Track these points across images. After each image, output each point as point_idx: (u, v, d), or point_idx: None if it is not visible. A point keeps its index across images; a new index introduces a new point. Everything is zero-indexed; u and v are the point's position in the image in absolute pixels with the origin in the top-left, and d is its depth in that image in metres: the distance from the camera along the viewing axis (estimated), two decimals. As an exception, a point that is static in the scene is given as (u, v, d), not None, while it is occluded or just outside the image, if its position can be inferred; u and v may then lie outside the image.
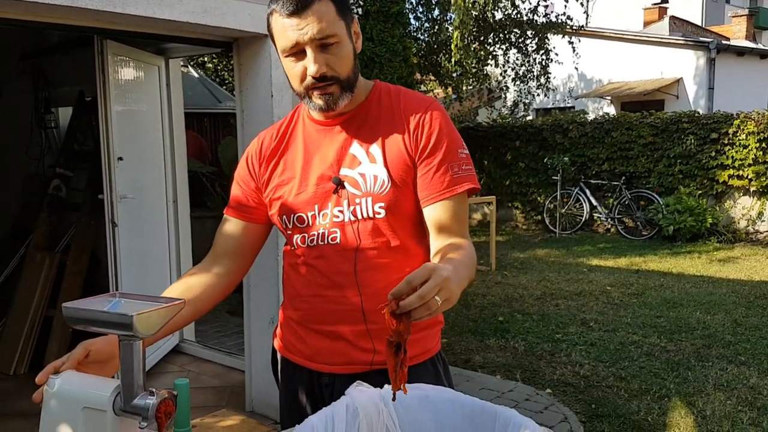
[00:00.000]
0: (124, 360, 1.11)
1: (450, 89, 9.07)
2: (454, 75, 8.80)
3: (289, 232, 1.39)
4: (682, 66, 13.89)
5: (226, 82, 11.31)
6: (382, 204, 1.31)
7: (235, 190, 1.47)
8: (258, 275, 3.44)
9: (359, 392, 1.09)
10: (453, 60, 7.13)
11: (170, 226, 4.48)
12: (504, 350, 4.63)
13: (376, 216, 1.31)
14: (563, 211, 10.30)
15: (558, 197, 10.23)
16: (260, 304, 3.49)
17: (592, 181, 10.19)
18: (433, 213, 1.32)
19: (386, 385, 1.12)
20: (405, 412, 1.10)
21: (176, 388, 1.30)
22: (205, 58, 11.18)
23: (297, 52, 1.26)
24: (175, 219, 4.51)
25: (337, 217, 1.33)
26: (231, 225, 1.45)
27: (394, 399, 1.06)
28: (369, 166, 1.32)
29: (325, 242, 1.34)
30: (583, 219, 10.17)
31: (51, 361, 1.22)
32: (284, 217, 1.38)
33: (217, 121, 7.67)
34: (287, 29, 1.25)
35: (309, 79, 1.27)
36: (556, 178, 10.21)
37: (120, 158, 3.68)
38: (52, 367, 1.19)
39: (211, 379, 4.12)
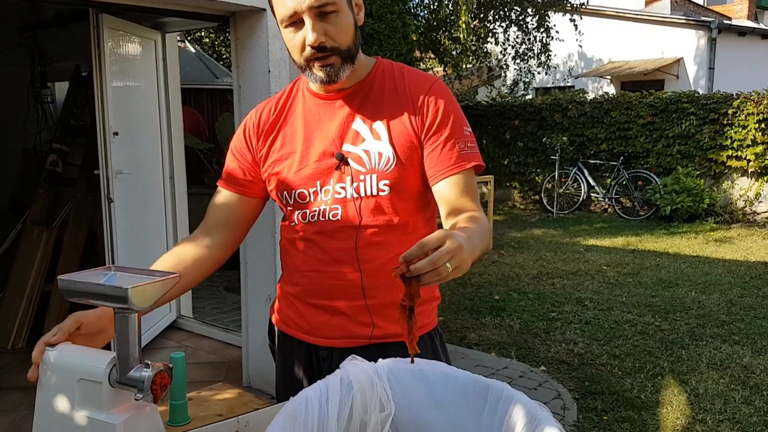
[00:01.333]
0: (119, 332, 1.12)
1: (450, 67, 9.00)
2: (454, 53, 8.74)
3: (289, 208, 1.38)
4: (683, 46, 13.79)
5: (223, 57, 11.22)
6: (387, 182, 1.30)
7: (231, 163, 1.44)
8: (255, 252, 3.45)
9: (353, 366, 1.10)
10: (461, 36, 7.05)
11: (167, 202, 4.47)
12: (499, 328, 4.66)
13: (380, 193, 1.30)
14: (561, 190, 10.30)
15: (556, 177, 10.23)
16: (257, 281, 3.50)
17: (591, 161, 10.17)
18: (444, 189, 1.30)
19: (380, 360, 1.13)
20: (398, 385, 1.11)
21: (172, 361, 1.31)
22: (202, 33, 11.09)
23: (296, 21, 1.24)
24: (171, 195, 4.50)
25: (339, 193, 1.32)
26: (224, 197, 1.43)
27: (412, 361, 1.08)
28: (373, 143, 1.31)
29: (326, 218, 1.33)
30: (581, 199, 10.18)
31: (48, 335, 1.22)
32: (285, 193, 1.37)
33: (214, 97, 7.62)
34: None
35: (308, 50, 1.25)
36: (554, 157, 10.20)
37: (116, 133, 3.66)
38: (43, 342, 1.19)
39: (208, 355, 4.15)
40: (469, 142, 1.33)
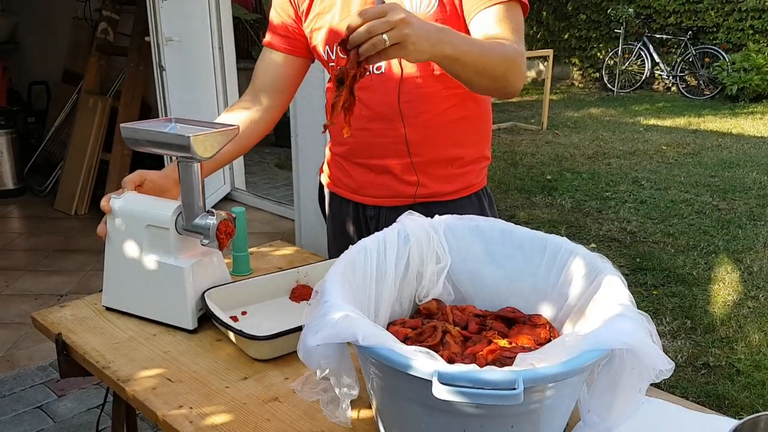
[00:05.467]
0: (183, 181, 1.14)
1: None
2: None
3: (332, 63, 1.34)
4: None
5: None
6: None
7: (274, 19, 1.40)
8: (306, 125, 3.43)
9: (410, 220, 1.10)
10: None
11: (217, 74, 4.46)
12: (550, 207, 4.62)
13: None
14: (623, 67, 9.81)
15: (619, 52, 9.71)
16: (308, 153, 3.51)
17: (657, 36, 9.58)
18: (479, 22, 1.19)
19: (437, 216, 1.13)
20: (455, 240, 1.11)
21: (234, 213, 1.34)
22: None
23: None
24: (221, 66, 4.48)
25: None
26: (270, 57, 1.40)
27: (324, 131, 1.05)
28: None
29: (370, 72, 1.29)
30: (644, 77, 9.70)
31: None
32: (327, 47, 1.33)
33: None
34: None
35: None
36: (618, 31, 9.64)
37: (165, -1, 3.60)
38: (110, 195, 1.22)
39: (263, 225, 4.28)
40: None
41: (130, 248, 1.19)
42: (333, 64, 1.34)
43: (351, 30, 0.92)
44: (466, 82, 1.13)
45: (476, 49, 1.07)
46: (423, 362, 0.70)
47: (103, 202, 1.21)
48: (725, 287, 3.29)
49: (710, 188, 4.94)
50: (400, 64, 1.26)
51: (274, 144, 6.22)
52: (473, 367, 0.70)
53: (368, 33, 0.91)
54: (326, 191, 1.52)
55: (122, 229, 1.19)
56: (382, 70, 1.28)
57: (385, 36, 0.91)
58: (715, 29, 9.11)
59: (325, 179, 1.51)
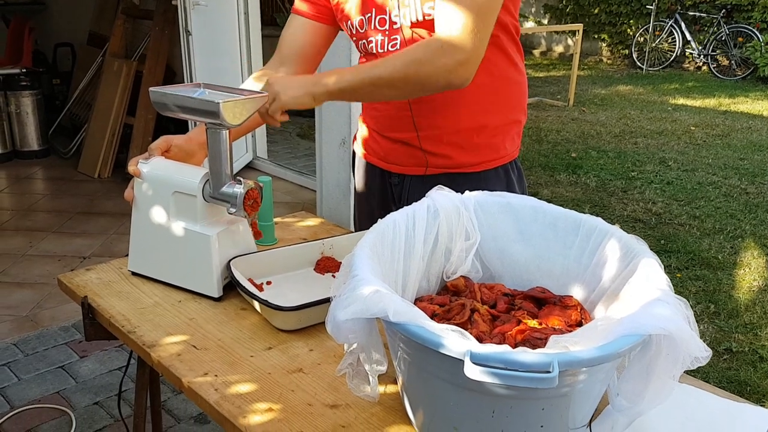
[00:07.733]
0: (211, 148, 1.12)
1: None
2: None
3: (354, 38, 1.34)
4: None
5: None
6: (432, 4, 1.20)
7: None
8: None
9: (440, 195, 1.08)
10: None
11: (242, 39, 4.42)
12: (574, 185, 4.56)
13: (426, 18, 1.21)
14: (653, 45, 9.59)
15: (650, 29, 9.48)
16: (332, 125, 3.48)
17: (689, 13, 9.33)
18: None
19: (467, 191, 1.11)
20: (485, 217, 1.09)
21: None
22: None
23: None
24: (246, 32, 4.44)
25: (395, 23, 1.25)
26: (297, 23, 1.39)
27: None
28: None
29: (385, 50, 1.28)
30: (674, 55, 9.47)
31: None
32: (349, 22, 1.32)
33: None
34: None
35: None
36: (650, 7, 9.40)
37: (192, -37, 3.56)
38: (137, 159, 1.22)
39: (284, 195, 4.27)
40: None
41: (157, 214, 1.18)
42: (355, 38, 1.34)
43: None
44: (377, 100, 1.25)
45: (367, 75, 1.16)
46: (455, 341, 0.69)
47: (131, 167, 1.20)
48: (751, 272, 3.23)
49: (739, 171, 4.84)
50: (406, 42, 1.25)
51: (295, 114, 6.19)
52: (506, 347, 0.68)
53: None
54: (358, 159, 1.51)
55: (149, 195, 1.19)
56: (397, 46, 1.27)
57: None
58: (749, 8, 8.84)
59: (359, 149, 1.50)
